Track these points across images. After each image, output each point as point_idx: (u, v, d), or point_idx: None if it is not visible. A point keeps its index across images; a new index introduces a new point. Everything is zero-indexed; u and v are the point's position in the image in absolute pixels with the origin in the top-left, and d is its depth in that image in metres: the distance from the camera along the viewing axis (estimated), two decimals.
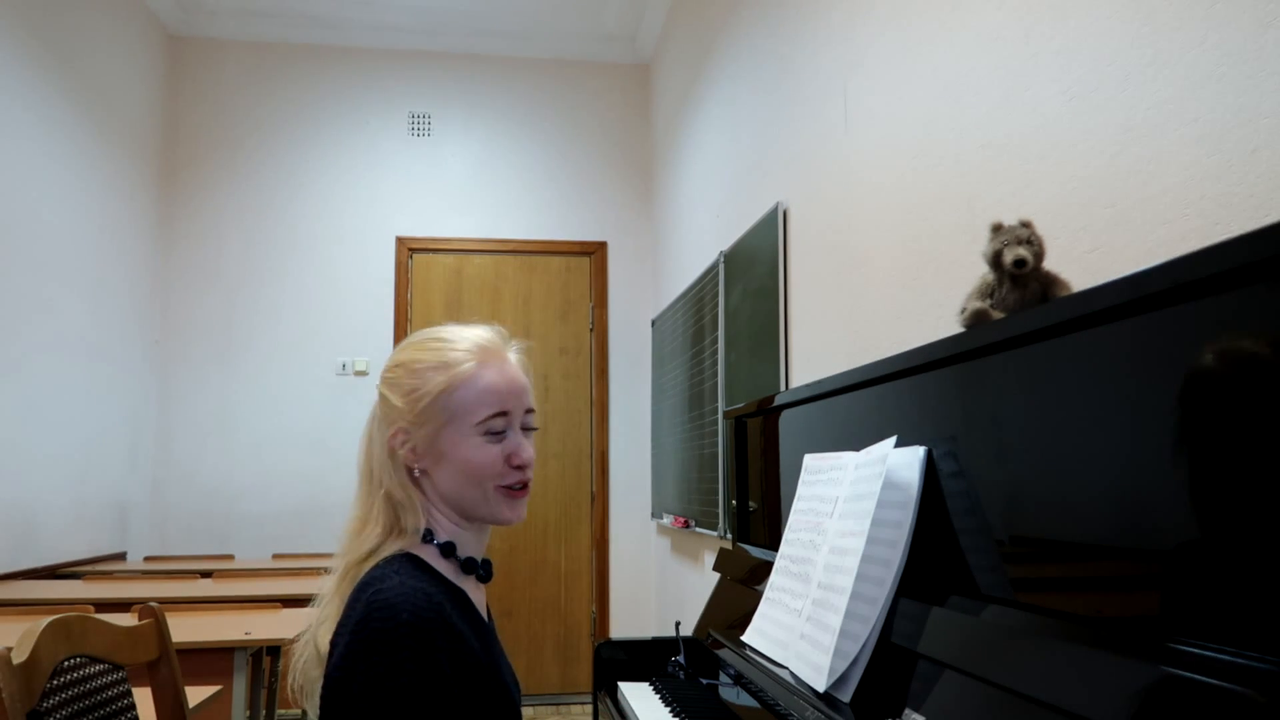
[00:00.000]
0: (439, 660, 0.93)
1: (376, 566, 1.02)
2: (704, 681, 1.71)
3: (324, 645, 1.00)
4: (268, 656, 2.77)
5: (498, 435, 1.07)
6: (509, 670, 1.11)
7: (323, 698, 0.95)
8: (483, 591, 1.13)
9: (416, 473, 1.08)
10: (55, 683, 1.24)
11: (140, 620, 1.46)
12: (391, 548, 1.04)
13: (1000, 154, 1.59)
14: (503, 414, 1.06)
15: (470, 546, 1.11)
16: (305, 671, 1.05)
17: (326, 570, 1.10)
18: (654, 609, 4.79)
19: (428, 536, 1.07)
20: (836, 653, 1.15)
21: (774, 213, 2.76)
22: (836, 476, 1.37)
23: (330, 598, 1.05)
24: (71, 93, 3.83)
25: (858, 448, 1.34)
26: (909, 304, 1.91)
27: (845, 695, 1.12)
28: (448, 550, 1.07)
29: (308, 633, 1.07)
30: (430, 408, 1.05)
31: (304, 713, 3.12)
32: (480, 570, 1.11)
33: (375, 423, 1.11)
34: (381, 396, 1.10)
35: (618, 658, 1.85)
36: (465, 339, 1.11)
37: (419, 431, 1.06)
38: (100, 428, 4.05)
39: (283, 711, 3.09)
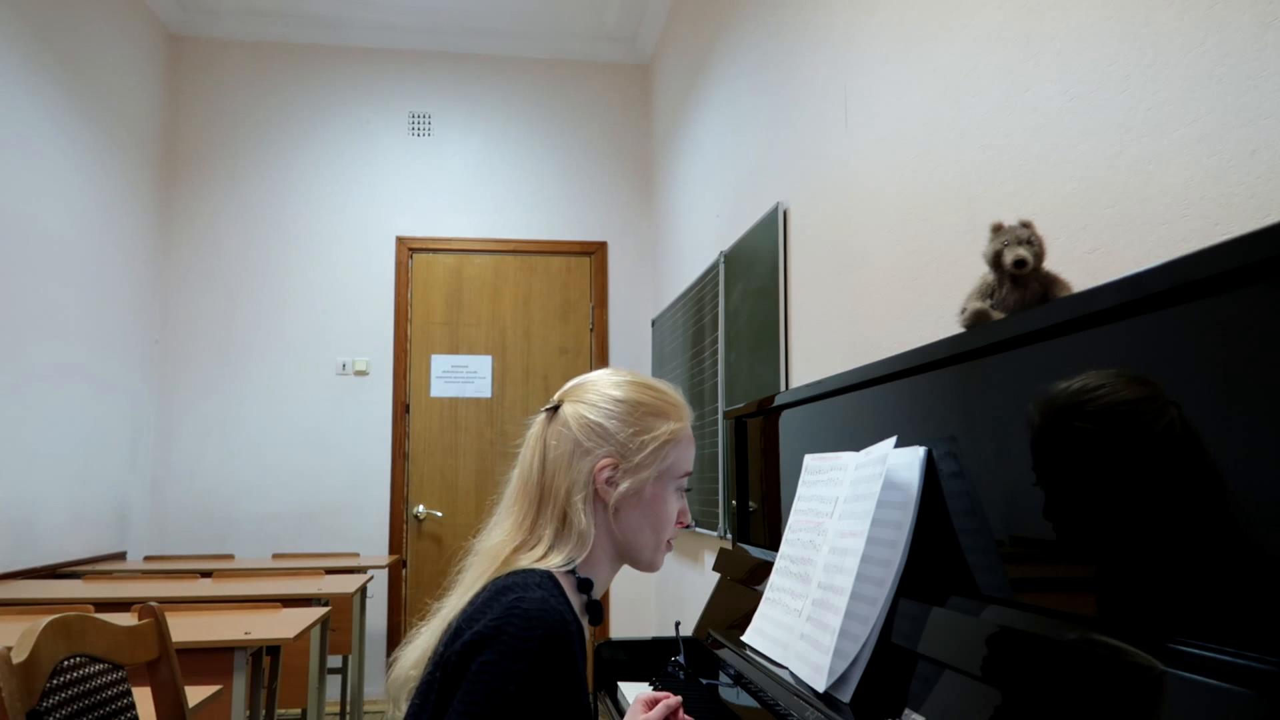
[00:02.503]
0: (551, 684, 0.93)
1: (517, 573, 1.02)
2: (704, 681, 1.71)
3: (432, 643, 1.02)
4: (267, 656, 2.77)
5: (682, 494, 1.14)
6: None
7: (435, 678, 0.96)
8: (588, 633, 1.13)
9: (611, 508, 1.09)
10: (55, 682, 1.24)
11: (140, 620, 1.46)
12: (536, 564, 1.04)
13: (1000, 154, 1.59)
14: (690, 474, 1.14)
15: (600, 589, 1.12)
16: (404, 670, 1.05)
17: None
18: (654, 609, 4.79)
19: (570, 568, 1.07)
20: (836, 653, 1.15)
21: (774, 213, 2.76)
22: (836, 477, 1.37)
23: (458, 600, 1.05)
24: (72, 93, 3.83)
25: (858, 448, 1.34)
26: (909, 304, 1.91)
27: (845, 695, 1.12)
28: (585, 586, 1.08)
29: (418, 634, 1.07)
30: (652, 454, 1.09)
31: (303, 713, 3.11)
32: (596, 614, 1.11)
33: (568, 446, 1.09)
34: (594, 424, 1.09)
35: (618, 658, 1.85)
36: (678, 394, 1.16)
37: (633, 471, 1.08)
38: (100, 428, 4.06)
39: (282, 711, 3.09)
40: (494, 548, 1.09)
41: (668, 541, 1.14)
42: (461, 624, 0.98)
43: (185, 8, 4.68)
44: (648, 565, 1.14)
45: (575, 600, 1.06)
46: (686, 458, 1.14)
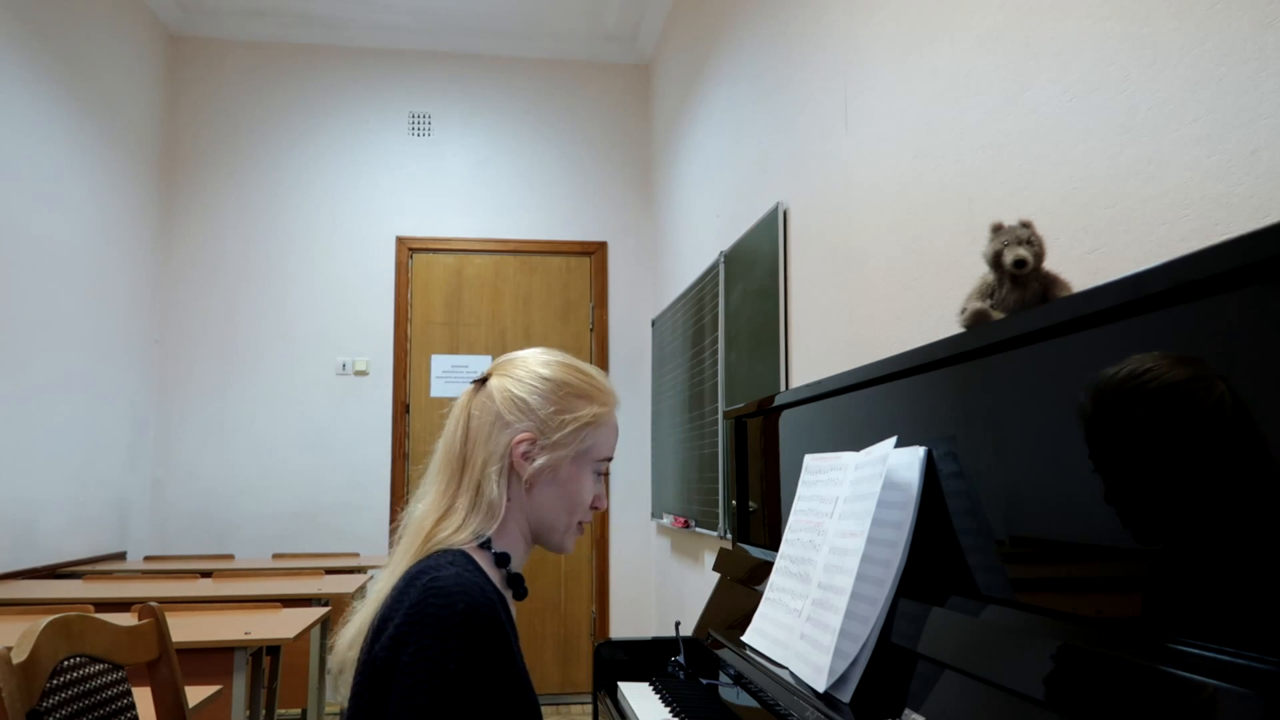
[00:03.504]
0: (487, 655, 0.94)
1: (430, 557, 1.03)
2: (704, 681, 1.71)
3: (364, 625, 1.02)
4: (267, 656, 2.77)
5: (599, 478, 1.15)
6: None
7: (365, 675, 0.96)
8: (514, 608, 1.14)
9: (525, 482, 1.09)
10: (55, 682, 1.24)
11: (140, 620, 1.46)
12: (448, 541, 1.05)
13: (1000, 154, 1.59)
14: (609, 460, 1.15)
15: (518, 563, 1.13)
16: (343, 651, 1.06)
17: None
18: (654, 609, 4.79)
19: (485, 542, 1.08)
20: (836, 653, 1.15)
21: (774, 213, 2.76)
22: (836, 477, 1.37)
23: (388, 581, 1.05)
24: (72, 93, 3.83)
25: (858, 448, 1.34)
26: (909, 304, 1.91)
27: (845, 695, 1.12)
28: (502, 560, 1.09)
29: (355, 613, 1.08)
30: (571, 434, 1.10)
31: (303, 713, 3.11)
32: (519, 588, 1.12)
33: (489, 417, 1.10)
34: (516, 399, 1.10)
35: (618, 658, 1.85)
36: (606, 381, 1.17)
37: (550, 449, 1.09)
38: (100, 428, 4.05)
39: (282, 711, 3.09)
40: (419, 518, 1.09)
41: (579, 524, 1.15)
42: (383, 616, 0.98)
43: (185, 8, 4.68)
44: (557, 546, 1.15)
45: (494, 575, 1.07)
46: (608, 443, 1.15)
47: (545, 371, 1.13)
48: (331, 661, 1.09)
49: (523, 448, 1.09)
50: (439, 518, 1.08)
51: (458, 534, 1.05)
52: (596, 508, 1.15)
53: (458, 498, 1.08)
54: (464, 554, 1.04)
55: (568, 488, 1.11)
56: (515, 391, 1.11)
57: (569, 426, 1.10)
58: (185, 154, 4.75)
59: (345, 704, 1.02)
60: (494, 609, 0.96)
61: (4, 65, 3.37)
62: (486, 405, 1.11)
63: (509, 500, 1.09)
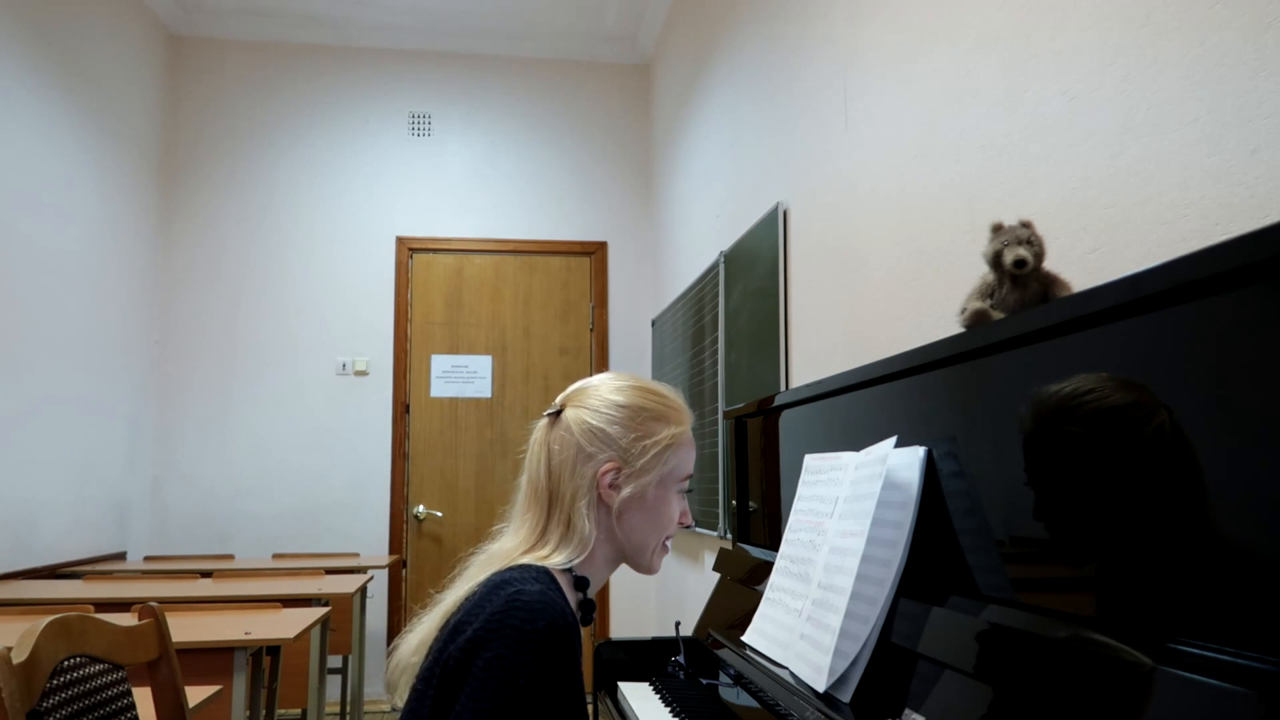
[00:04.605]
0: (557, 675, 0.94)
1: (515, 569, 1.03)
2: (704, 681, 1.71)
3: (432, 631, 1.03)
4: (268, 656, 2.77)
5: (683, 495, 1.16)
6: None
7: (435, 675, 0.97)
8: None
9: (615, 511, 1.10)
10: (55, 682, 1.24)
11: (140, 620, 1.46)
12: (530, 559, 1.06)
13: (1000, 154, 1.59)
14: (690, 476, 1.16)
15: (593, 589, 1.13)
16: (405, 657, 1.06)
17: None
18: (654, 609, 4.79)
19: (567, 567, 1.08)
20: (836, 653, 1.15)
21: (774, 213, 2.76)
22: (836, 477, 1.37)
23: (459, 592, 1.06)
24: (72, 92, 3.83)
25: (858, 448, 1.34)
26: (909, 304, 1.91)
27: (845, 695, 1.12)
28: (581, 584, 1.09)
29: (419, 622, 1.08)
30: (654, 458, 1.11)
31: (303, 713, 3.11)
32: (589, 614, 1.12)
33: (571, 451, 1.10)
34: (595, 429, 1.10)
35: (618, 658, 1.85)
36: (678, 399, 1.18)
37: (635, 476, 1.10)
38: (100, 428, 4.05)
39: (282, 711, 3.09)
40: (506, 552, 1.10)
41: (665, 544, 1.16)
42: (460, 620, 0.99)
43: (185, 8, 4.68)
44: (646, 567, 1.16)
45: (571, 597, 1.08)
46: (688, 460, 1.15)
47: (620, 399, 1.13)
48: (391, 669, 1.09)
49: (609, 478, 1.09)
50: (530, 546, 1.09)
51: (546, 560, 1.06)
52: (684, 525, 1.15)
53: (548, 532, 1.09)
54: (548, 572, 1.04)
55: (656, 510, 1.12)
56: (593, 422, 1.11)
57: (651, 451, 1.10)
58: (185, 154, 4.75)
59: (400, 705, 1.03)
60: (571, 632, 0.97)
61: (3, 65, 3.37)
62: (565, 439, 1.11)
63: (598, 530, 1.10)
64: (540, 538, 1.09)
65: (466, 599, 1.02)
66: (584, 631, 1.13)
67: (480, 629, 0.95)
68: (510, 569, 1.03)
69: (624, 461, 1.09)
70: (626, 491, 1.09)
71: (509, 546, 1.10)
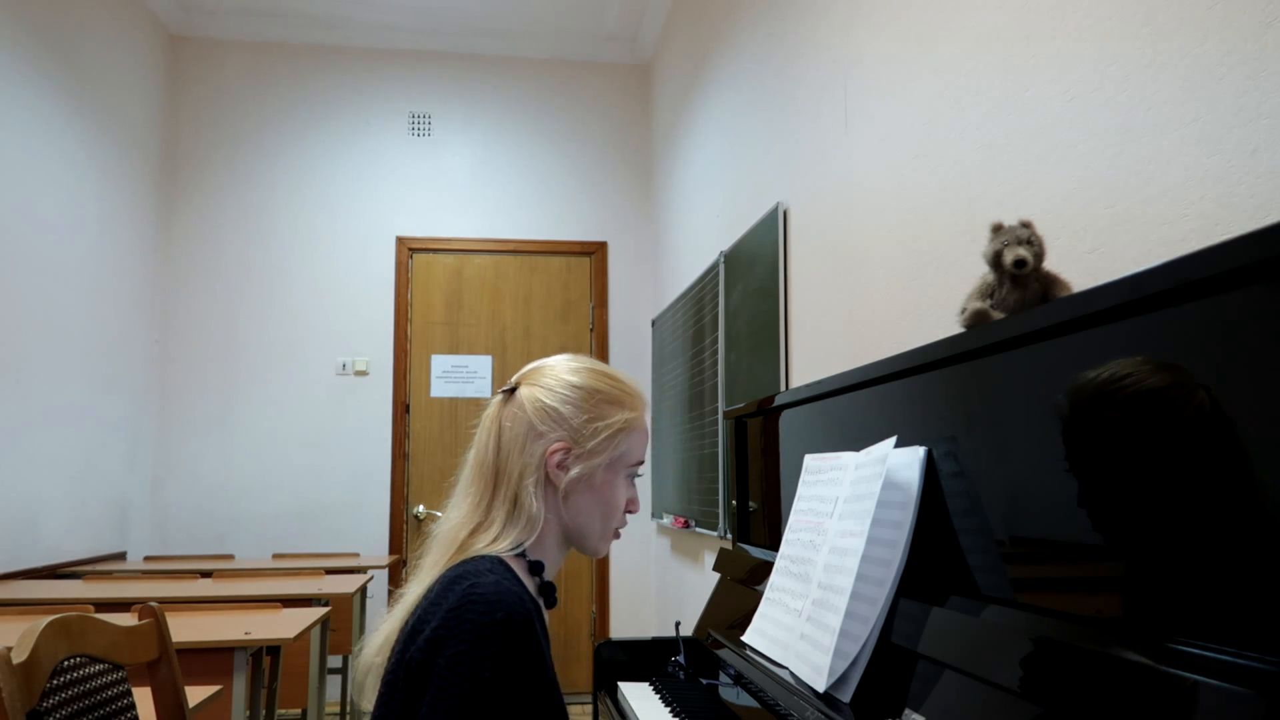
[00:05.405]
0: (522, 664, 0.94)
1: (468, 562, 1.03)
2: (704, 681, 1.71)
3: (393, 630, 1.02)
4: (267, 656, 2.77)
5: (632, 482, 1.16)
6: None
7: (398, 676, 0.97)
8: (547, 616, 1.14)
9: (561, 492, 1.10)
10: (55, 682, 1.24)
11: (140, 620, 1.46)
12: (484, 550, 1.05)
13: (1000, 154, 1.59)
14: (641, 464, 1.15)
15: (551, 571, 1.13)
16: (369, 657, 1.06)
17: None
18: (654, 609, 4.79)
19: (519, 550, 1.08)
20: (836, 653, 1.15)
21: (774, 213, 2.76)
22: (836, 477, 1.37)
23: (417, 588, 1.06)
24: (72, 92, 3.83)
25: (858, 448, 1.34)
26: (909, 304, 1.91)
27: (845, 695, 1.12)
28: (536, 569, 1.09)
29: (382, 620, 1.08)
30: (605, 441, 1.10)
31: (303, 713, 3.11)
32: (551, 596, 1.12)
33: (522, 428, 1.10)
34: (548, 408, 1.10)
35: (618, 658, 1.85)
36: (634, 386, 1.17)
37: (584, 458, 1.09)
38: (100, 428, 4.05)
39: (282, 711, 3.09)
40: (451, 530, 1.09)
41: (615, 529, 1.16)
42: (419, 619, 0.99)
43: (185, 8, 4.68)
44: (593, 551, 1.16)
45: (529, 583, 1.07)
46: (639, 447, 1.15)
47: (575, 379, 1.12)
48: (357, 666, 1.09)
49: (557, 458, 1.09)
50: (474, 529, 1.08)
51: (495, 544, 1.06)
52: (631, 511, 1.15)
53: (493, 510, 1.08)
54: (501, 561, 1.04)
55: (603, 495, 1.12)
56: (547, 401, 1.10)
57: (602, 434, 1.10)
58: (185, 154, 4.75)
59: (370, 708, 1.02)
60: (531, 619, 0.97)
61: (3, 65, 3.37)
62: (518, 416, 1.11)
63: (545, 510, 1.09)
64: (486, 515, 1.08)
65: (425, 595, 1.02)
66: (547, 615, 1.12)
67: (439, 626, 0.95)
68: (465, 562, 1.03)
69: (574, 442, 1.09)
70: (574, 472, 1.09)
71: (454, 524, 1.10)
